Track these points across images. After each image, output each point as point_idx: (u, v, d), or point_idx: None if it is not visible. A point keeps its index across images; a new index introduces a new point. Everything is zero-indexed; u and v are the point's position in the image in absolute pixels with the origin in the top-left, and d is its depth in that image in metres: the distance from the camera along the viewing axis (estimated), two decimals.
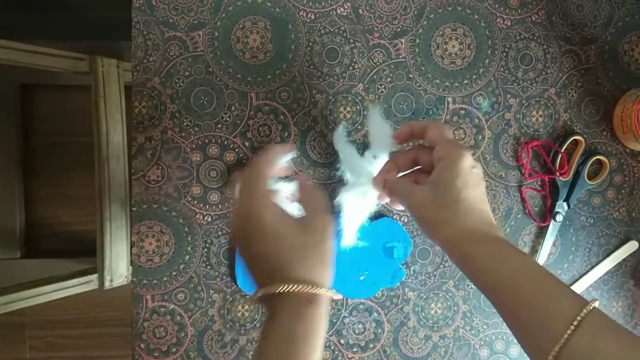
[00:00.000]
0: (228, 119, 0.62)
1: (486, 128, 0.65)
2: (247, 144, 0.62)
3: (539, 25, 0.65)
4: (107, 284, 0.98)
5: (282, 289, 0.41)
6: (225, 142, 0.62)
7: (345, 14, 0.62)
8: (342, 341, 0.64)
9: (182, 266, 0.62)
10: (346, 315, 0.64)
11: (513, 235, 0.66)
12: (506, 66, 0.65)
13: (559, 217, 0.66)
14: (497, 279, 0.42)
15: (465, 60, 0.64)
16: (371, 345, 0.65)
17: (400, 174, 0.53)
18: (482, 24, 0.64)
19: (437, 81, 0.64)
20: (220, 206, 0.62)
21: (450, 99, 0.64)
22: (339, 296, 0.45)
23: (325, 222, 0.46)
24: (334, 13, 0.62)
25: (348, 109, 0.63)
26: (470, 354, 0.66)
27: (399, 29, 0.63)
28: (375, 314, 0.65)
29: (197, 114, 0.61)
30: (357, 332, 0.64)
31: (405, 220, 0.64)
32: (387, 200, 0.55)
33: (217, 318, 0.62)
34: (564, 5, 0.65)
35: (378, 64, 0.63)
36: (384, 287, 0.64)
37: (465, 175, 0.45)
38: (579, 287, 0.67)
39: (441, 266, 0.65)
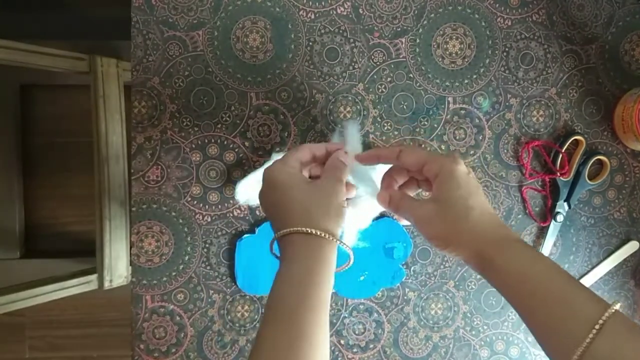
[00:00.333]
0: (228, 118, 0.61)
1: (487, 128, 0.65)
2: (246, 143, 0.62)
3: (539, 24, 0.65)
4: (106, 284, 0.97)
5: (290, 231, 0.45)
6: (225, 142, 0.62)
7: (345, 13, 0.62)
8: (342, 342, 0.64)
9: (181, 266, 0.62)
10: (346, 315, 0.64)
11: None
12: (507, 66, 0.64)
13: (560, 217, 0.66)
14: (519, 281, 0.42)
15: (466, 60, 0.64)
16: (371, 346, 0.65)
17: (400, 183, 0.53)
18: (483, 24, 0.64)
19: (438, 81, 0.64)
20: (220, 206, 0.62)
21: (450, 99, 0.64)
22: (349, 250, 0.48)
23: (336, 185, 0.49)
24: (334, 12, 0.62)
25: (348, 108, 0.63)
26: (471, 355, 0.66)
27: (399, 29, 0.63)
28: (376, 315, 0.64)
29: (197, 113, 0.61)
30: (357, 332, 0.64)
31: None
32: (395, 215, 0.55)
33: (217, 318, 0.62)
34: (565, 4, 0.65)
35: (378, 63, 0.63)
36: (384, 288, 0.64)
37: (465, 184, 0.46)
38: None
39: (441, 267, 0.65)
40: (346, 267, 0.49)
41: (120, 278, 0.99)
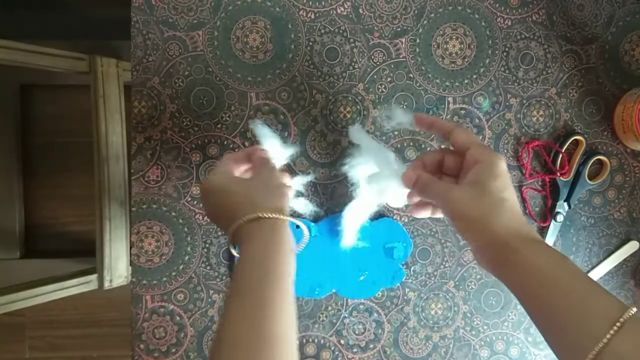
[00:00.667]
0: (228, 118, 0.61)
1: (487, 128, 0.65)
2: (246, 143, 0.62)
3: (539, 24, 0.65)
4: (106, 284, 0.97)
5: (240, 223, 0.46)
6: (225, 142, 0.62)
7: (345, 13, 0.62)
8: (342, 341, 0.64)
9: (181, 266, 0.62)
10: (346, 315, 0.64)
11: None
12: (507, 66, 0.64)
13: (560, 217, 0.66)
14: (540, 278, 0.43)
15: (466, 60, 0.64)
16: (371, 346, 0.65)
17: (428, 170, 0.53)
18: (483, 24, 0.64)
19: (438, 81, 0.64)
20: None
21: (450, 99, 0.64)
22: (301, 224, 0.50)
23: (270, 171, 0.52)
24: (334, 12, 0.62)
25: (348, 108, 0.63)
26: (471, 355, 0.66)
27: (399, 29, 0.63)
28: (376, 315, 0.64)
29: (197, 113, 0.61)
30: (357, 332, 0.64)
31: (406, 220, 0.64)
32: (415, 199, 0.54)
33: (217, 318, 0.62)
34: (565, 4, 0.65)
35: (378, 63, 0.63)
36: (384, 288, 0.64)
37: (504, 177, 0.46)
38: None
39: (441, 267, 0.65)
40: (304, 243, 0.52)
41: (120, 278, 0.99)
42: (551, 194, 0.66)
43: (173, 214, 0.61)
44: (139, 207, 0.61)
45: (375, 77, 0.63)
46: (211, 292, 0.62)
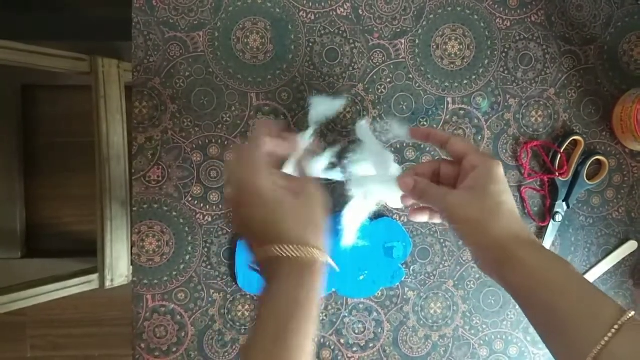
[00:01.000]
0: (228, 119, 0.62)
1: (486, 128, 0.65)
2: (247, 144, 0.62)
3: (538, 25, 0.65)
4: (107, 284, 0.98)
5: (282, 250, 0.42)
6: (226, 142, 0.62)
7: (345, 14, 0.62)
8: (342, 341, 0.64)
9: (182, 266, 0.62)
10: (346, 315, 0.64)
11: None
12: (506, 66, 0.65)
13: (558, 217, 0.66)
14: (538, 280, 0.43)
15: (465, 60, 0.64)
16: (371, 345, 0.65)
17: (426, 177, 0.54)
18: (482, 25, 0.64)
19: (437, 81, 0.64)
20: (220, 206, 0.62)
21: (449, 99, 0.64)
22: (335, 266, 0.46)
23: (315, 190, 0.47)
24: (334, 13, 0.62)
25: (348, 109, 0.63)
26: (470, 354, 0.66)
27: (398, 30, 0.63)
28: (375, 314, 0.65)
29: (198, 114, 0.61)
30: (357, 331, 0.65)
31: (405, 220, 0.65)
32: (409, 203, 0.54)
33: (218, 318, 0.63)
34: (564, 5, 0.65)
35: (378, 64, 0.63)
36: (383, 287, 0.65)
37: (502, 182, 0.47)
38: None
39: (441, 266, 0.65)
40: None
41: (121, 277, 0.99)
42: (550, 194, 0.66)
43: (174, 213, 0.62)
44: (140, 207, 0.61)
45: (375, 77, 0.63)
46: (212, 291, 0.62)
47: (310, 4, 0.62)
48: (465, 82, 0.64)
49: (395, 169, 0.56)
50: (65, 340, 1.37)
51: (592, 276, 0.67)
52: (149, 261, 0.62)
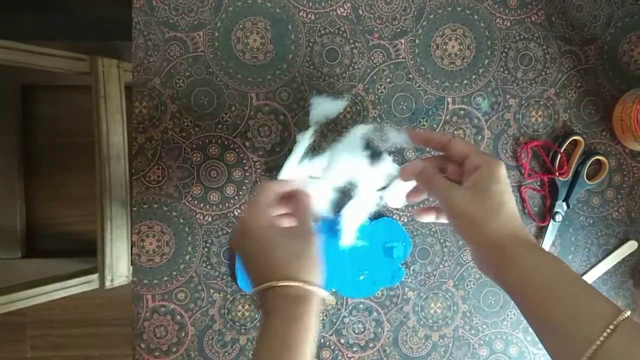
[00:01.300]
0: (228, 119, 0.62)
1: (486, 128, 0.65)
2: (247, 144, 0.62)
3: (538, 25, 0.65)
4: (107, 284, 0.98)
5: (274, 284, 0.45)
6: (226, 142, 0.62)
7: (345, 14, 0.62)
8: (342, 341, 0.64)
9: (182, 266, 0.62)
10: (346, 315, 0.64)
11: None
12: (506, 66, 0.65)
13: (558, 217, 0.66)
14: (536, 280, 0.43)
15: (465, 60, 0.64)
16: (371, 345, 0.65)
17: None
18: (482, 25, 0.64)
19: (437, 81, 0.64)
20: (220, 206, 0.62)
21: (449, 99, 0.64)
22: (331, 299, 0.49)
23: (309, 231, 0.50)
24: (334, 13, 0.62)
25: (348, 109, 0.63)
26: (470, 354, 0.66)
27: (398, 30, 0.63)
28: (375, 314, 0.65)
29: (198, 114, 0.61)
30: (357, 331, 0.65)
31: (405, 220, 0.65)
32: (415, 200, 0.55)
33: (218, 318, 0.63)
34: (564, 5, 0.65)
35: (378, 64, 0.63)
36: (383, 287, 0.65)
37: (503, 182, 0.47)
38: None
39: (440, 266, 0.65)
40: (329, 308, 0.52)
41: (121, 277, 0.99)
42: (550, 194, 0.66)
43: (174, 213, 0.62)
44: (140, 207, 0.61)
45: (375, 77, 0.63)
46: (212, 291, 0.62)
47: (310, 4, 0.62)
48: (465, 82, 0.64)
49: (394, 169, 0.56)
50: (65, 340, 1.37)
51: (592, 276, 0.67)
52: (149, 261, 0.62)
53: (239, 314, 0.63)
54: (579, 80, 0.66)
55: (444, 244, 0.65)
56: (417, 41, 0.64)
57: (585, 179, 0.66)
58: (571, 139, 0.65)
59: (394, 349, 0.65)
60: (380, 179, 0.58)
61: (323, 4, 0.62)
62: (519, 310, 0.46)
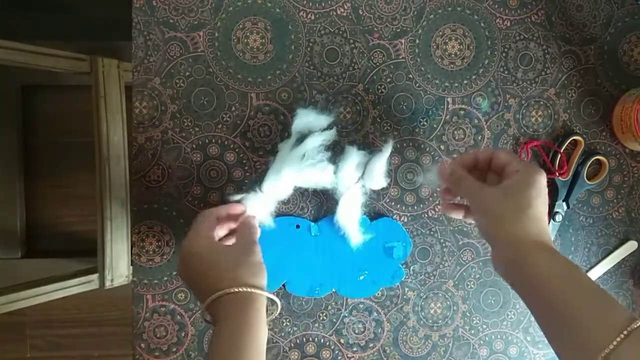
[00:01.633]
0: (228, 119, 0.62)
1: (486, 128, 0.65)
2: (247, 144, 0.62)
3: (538, 25, 0.65)
4: (107, 284, 0.98)
5: (221, 293, 0.47)
6: (226, 142, 0.62)
7: (345, 14, 0.62)
8: (342, 341, 0.64)
9: None
10: (346, 315, 0.64)
11: None
12: (506, 66, 0.65)
13: (558, 217, 0.66)
14: (552, 283, 0.44)
15: (465, 60, 0.64)
16: (371, 345, 0.65)
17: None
18: (482, 25, 0.64)
19: (437, 81, 0.64)
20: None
21: (449, 99, 0.64)
22: (276, 299, 0.51)
23: (253, 246, 0.52)
24: (334, 13, 0.62)
25: (348, 109, 0.63)
26: (470, 354, 0.66)
27: (398, 30, 0.63)
28: (375, 314, 0.65)
29: (198, 114, 0.61)
30: (357, 331, 0.65)
31: (405, 220, 0.65)
32: (447, 197, 0.58)
33: None
34: (564, 5, 0.65)
35: (378, 64, 0.63)
36: (383, 287, 0.65)
37: (539, 188, 0.48)
38: None
39: (440, 266, 0.65)
40: (274, 315, 0.56)
41: (121, 277, 0.99)
42: (550, 194, 0.66)
43: (174, 213, 0.62)
44: (140, 207, 0.61)
45: (375, 77, 0.63)
46: None
47: (310, 4, 0.62)
48: (465, 82, 0.64)
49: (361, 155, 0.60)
50: (65, 340, 1.37)
51: (592, 276, 0.67)
52: (149, 261, 0.62)
53: None
54: (579, 80, 0.66)
55: (444, 244, 0.65)
56: (417, 41, 0.64)
57: (585, 179, 0.66)
58: (571, 139, 0.65)
59: (394, 349, 0.65)
60: (353, 170, 0.60)
61: (323, 4, 0.62)
62: (530, 312, 0.46)
